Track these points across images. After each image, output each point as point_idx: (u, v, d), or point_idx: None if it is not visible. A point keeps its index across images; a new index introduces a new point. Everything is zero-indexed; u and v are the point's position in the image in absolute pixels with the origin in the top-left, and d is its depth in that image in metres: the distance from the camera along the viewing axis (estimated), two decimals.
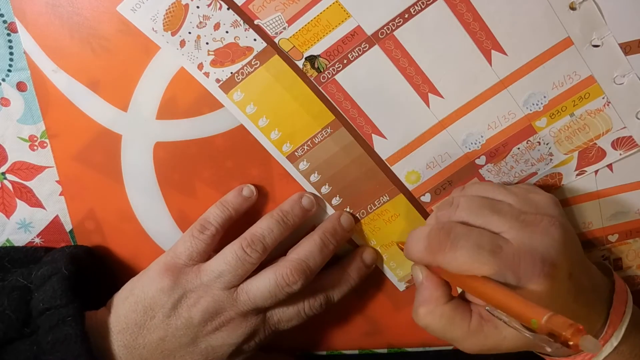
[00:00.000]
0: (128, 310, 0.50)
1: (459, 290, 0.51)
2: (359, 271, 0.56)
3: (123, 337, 0.49)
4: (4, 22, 0.50)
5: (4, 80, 0.51)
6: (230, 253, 0.50)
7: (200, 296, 0.50)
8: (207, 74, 0.50)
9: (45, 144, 0.54)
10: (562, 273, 0.45)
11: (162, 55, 0.50)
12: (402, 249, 0.54)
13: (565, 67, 0.49)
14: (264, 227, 0.52)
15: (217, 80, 0.50)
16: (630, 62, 0.49)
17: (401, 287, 0.59)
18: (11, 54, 0.51)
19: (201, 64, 0.50)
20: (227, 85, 0.51)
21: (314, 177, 0.54)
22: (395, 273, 0.58)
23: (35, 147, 0.54)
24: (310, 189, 0.54)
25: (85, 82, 0.51)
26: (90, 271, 0.54)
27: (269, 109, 0.51)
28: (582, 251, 0.50)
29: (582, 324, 0.46)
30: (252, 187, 0.53)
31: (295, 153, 0.53)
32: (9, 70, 0.51)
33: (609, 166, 0.53)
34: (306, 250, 0.52)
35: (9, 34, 0.50)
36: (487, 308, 0.44)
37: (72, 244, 0.57)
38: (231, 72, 0.50)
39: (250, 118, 0.51)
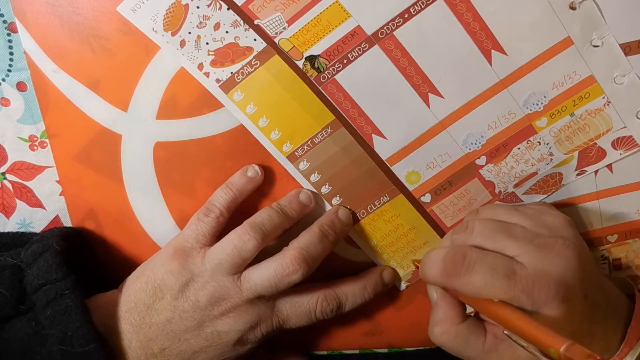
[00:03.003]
0: (138, 290, 0.51)
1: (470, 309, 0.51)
2: (375, 287, 0.56)
3: (131, 316, 0.50)
4: (4, 22, 0.50)
5: (4, 80, 0.52)
6: (229, 242, 0.50)
7: (206, 281, 0.50)
8: (207, 74, 0.50)
9: (45, 144, 0.54)
10: (577, 295, 0.45)
11: (162, 55, 0.50)
12: (417, 267, 0.55)
13: (566, 67, 0.49)
14: (264, 216, 0.52)
15: (217, 80, 0.50)
16: (631, 63, 0.49)
17: (401, 286, 0.59)
18: (11, 54, 0.51)
19: (201, 64, 0.50)
20: (227, 85, 0.51)
21: (314, 177, 0.54)
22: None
23: (35, 147, 0.54)
24: (310, 188, 0.54)
25: (85, 82, 0.51)
26: (80, 252, 0.54)
27: (269, 109, 0.51)
28: (596, 268, 0.50)
29: (599, 341, 0.47)
30: (257, 168, 0.53)
31: (296, 153, 0.53)
32: (9, 70, 0.51)
33: (609, 167, 0.53)
34: (306, 240, 0.52)
35: (9, 34, 0.50)
36: (505, 332, 0.44)
37: None
38: (231, 72, 0.50)
39: (251, 118, 0.51)
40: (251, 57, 0.50)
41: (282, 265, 0.50)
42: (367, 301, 0.55)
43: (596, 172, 0.53)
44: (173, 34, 0.49)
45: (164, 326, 0.50)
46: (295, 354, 0.60)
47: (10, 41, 0.50)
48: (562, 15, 0.48)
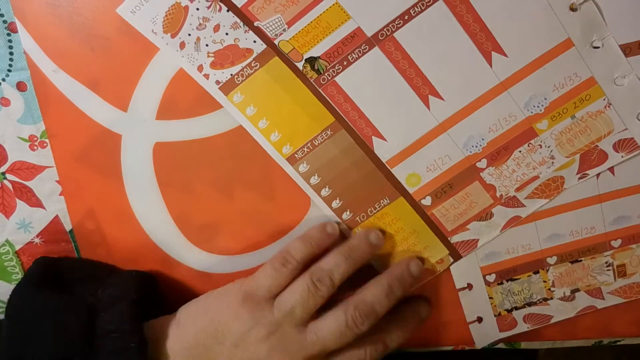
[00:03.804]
0: (199, 329, 0.50)
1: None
2: (416, 324, 0.56)
3: (188, 354, 0.50)
4: (4, 22, 0.50)
5: (4, 80, 0.52)
6: (301, 285, 0.50)
7: (270, 332, 0.49)
8: (207, 76, 0.50)
9: (45, 144, 0.54)
10: None
11: (162, 55, 0.50)
12: None
13: (566, 69, 0.49)
14: (332, 263, 0.52)
15: (217, 82, 0.50)
16: (631, 64, 0.49)
17: None
18: (11, 54, 0.51)
19: (201, 65, 0.50)
20: (227, 87, 0.51)
21: (314, 180, 0.54)
22: None
23: (35, 147, 0.54)
24: (310, 191, 0.54)
25: (85, 82, 0.51)
26: (150, 299, 0.54)
27: (269, 110, 0.51)
28: None
29: None
30: (336, 225, 0.53)
31: (295, 155, 0.53)
32: (9, 70, 0.51)
33: (611, 169, 0.53)
34: (374, 294, 0.52)
35: (9, 34, 0.51)
36: None
37: (72, 243, 0.57)
38: (231, 74, 0.50)
39: (250, 120, 0.51)
40: (251, 58, 0.50)
41: (353, 318, 0.50)
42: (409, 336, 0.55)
43: (598, 175, 0.53)
44: (173, 36, 0.49)
45: None
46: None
47: (10, 41, 0.51)
48: (563, 17, 0.47)
